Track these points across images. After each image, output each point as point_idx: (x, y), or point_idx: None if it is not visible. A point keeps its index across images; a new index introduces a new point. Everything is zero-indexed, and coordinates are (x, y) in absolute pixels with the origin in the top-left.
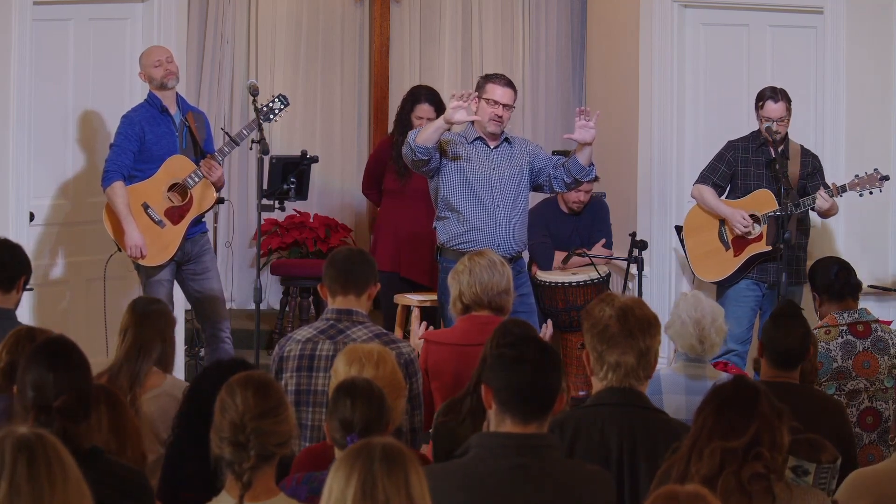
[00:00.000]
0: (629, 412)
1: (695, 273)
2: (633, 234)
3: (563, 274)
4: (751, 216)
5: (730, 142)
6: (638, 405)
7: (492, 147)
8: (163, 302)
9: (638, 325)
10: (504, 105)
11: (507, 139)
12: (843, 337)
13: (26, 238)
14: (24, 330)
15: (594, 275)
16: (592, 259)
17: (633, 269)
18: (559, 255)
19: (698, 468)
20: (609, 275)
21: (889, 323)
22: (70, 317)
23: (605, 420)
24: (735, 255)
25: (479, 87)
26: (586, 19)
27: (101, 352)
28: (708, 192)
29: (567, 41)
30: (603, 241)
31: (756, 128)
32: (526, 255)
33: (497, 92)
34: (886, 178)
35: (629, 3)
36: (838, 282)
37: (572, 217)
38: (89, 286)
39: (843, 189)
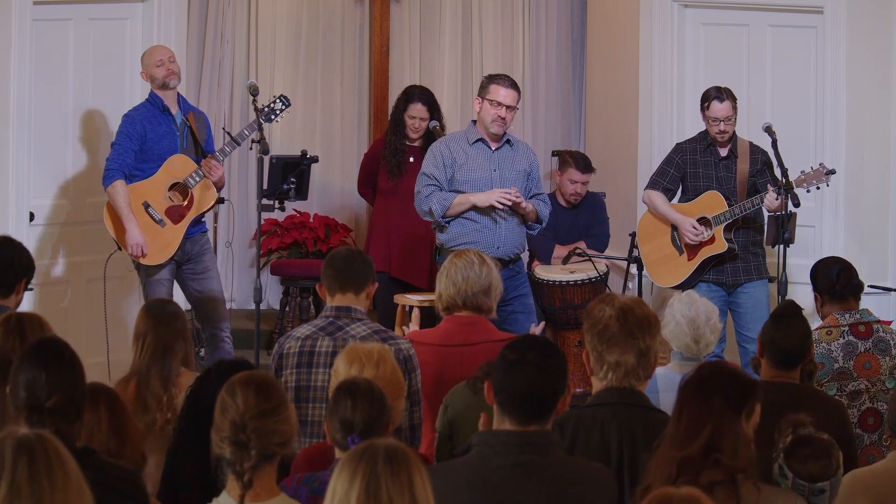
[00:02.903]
0: (629, 412)
1: (651, 279)
2: (633, 234)
3: (561, 272)
4: (701, 219)
5: (677, 144)
6: (638, 405)
7: (493, 148)
8: (175, 302)
9: (638, 325)
10: (507, 106)
11: (508, 140)
12: (844, 338)
13: (26, 238)
14: (14, 316)
15: (592, 273)
16: (591, 258)
17: (633, 269)
18: (559, 249)
19: (653, 480)
20: (608, 273)
21: (890, 323)
22: (70, 316)
23: (605, 420)
24: (689, 259)
25: (483, 88)
26: (586, 19)
27: (101, 352)
28: (658, 198)
29: (567, 41)
30: (583, 242)
31: (703, 128)
32: (525, 256)
33: (500, 93)
34: (832, 171)
35: (629, 3)
36: (840, 282)
37: (571, 211)
38: (89, 286)
39: (790, 186)
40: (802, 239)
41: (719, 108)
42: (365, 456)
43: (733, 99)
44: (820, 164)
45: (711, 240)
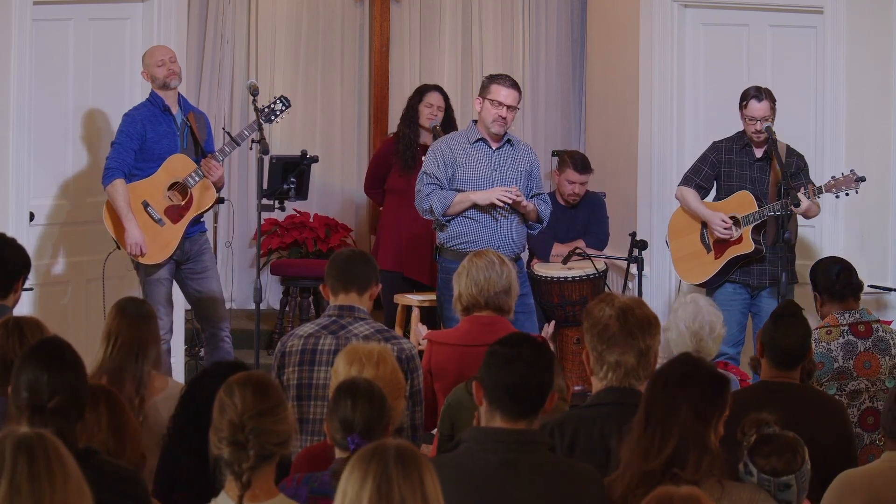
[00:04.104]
0: (629, 412)
1: (678, 275)
2: (633, 234)
3: (559, 269)
4: (731, 218)
5: (714, 143)
6: (638, 405)
7: (493, 148)
8: (148, 303)
9: (638, 325)
10: (508, 106)
11: (508, 140)
12: (844, 337)
13: (26, 238)
14: (12, 319)
15: (590, 270)
16: (590, 256)
17: (633, 269)
18: (559, 247)
19: (616, 480)
20: (606, 270)
21: (889, 323)
22: (70, 316)
23: (605, 420)
24: (716, 258)
25: (484, 88)
26: (586, 19)
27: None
28: (690, 195)
29: (567, 41)
30: (582, 241)
31: (741, 128)
32: (525, 255)
33: (501, 93)
34: (863, 179)
35: (629, 3)
36: (839, 282)
37: (570, 210)
38: (89, 286)
39: (819, 191)
40: (802, 239)
41: (757, 107)
42: (375, 457)
43: (772, 99)
44: (850, 171)
45: (739, 240)
